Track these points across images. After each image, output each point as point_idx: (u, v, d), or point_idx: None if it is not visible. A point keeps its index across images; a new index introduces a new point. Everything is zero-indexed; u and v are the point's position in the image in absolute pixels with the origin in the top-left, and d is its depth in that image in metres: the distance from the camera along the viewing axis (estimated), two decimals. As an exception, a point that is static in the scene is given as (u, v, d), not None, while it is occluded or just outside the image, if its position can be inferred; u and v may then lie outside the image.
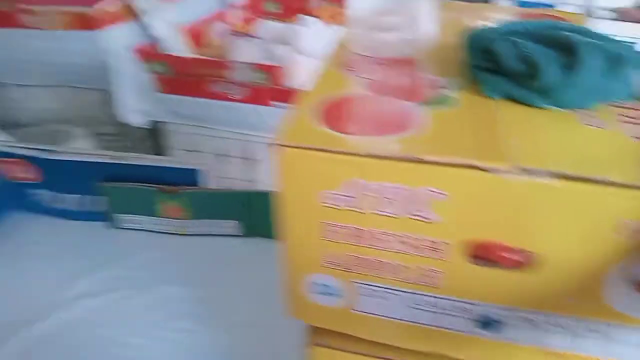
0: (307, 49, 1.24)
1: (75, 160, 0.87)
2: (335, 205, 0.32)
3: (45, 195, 0.92)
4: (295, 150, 0.32)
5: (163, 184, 0.86)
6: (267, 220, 0.88)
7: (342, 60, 0.45)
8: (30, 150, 0.89)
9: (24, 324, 0.70)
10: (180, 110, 1.24)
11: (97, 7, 1.18)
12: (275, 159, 0.32)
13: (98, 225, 0.91)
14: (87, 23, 1.19)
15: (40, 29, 1.23)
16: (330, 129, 0.33)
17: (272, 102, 1.16)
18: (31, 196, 0.93)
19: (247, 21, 1.72)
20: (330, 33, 1.34)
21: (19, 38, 1.25)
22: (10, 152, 0.90)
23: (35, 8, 1.22)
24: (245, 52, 1.32)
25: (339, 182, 0.32)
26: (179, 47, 1.32)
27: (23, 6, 1.22)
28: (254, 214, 0.86)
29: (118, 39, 1.21)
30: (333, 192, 0.32)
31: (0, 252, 0.86)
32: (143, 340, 0.69)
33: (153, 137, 1.36)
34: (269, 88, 1.16)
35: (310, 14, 1.56)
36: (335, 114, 0.35)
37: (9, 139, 1.01)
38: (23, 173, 0.91)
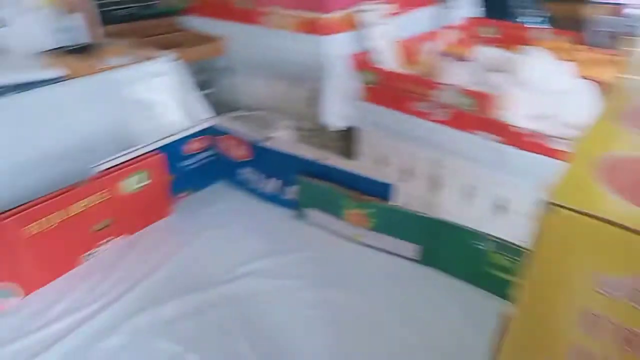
0: (527, 82, 1.14)
1: (282, 151, 0.94)
2: (612, 294, 0.26)
3: (250, 175, 1.01)
4: (573, 214, 0.26)
5: (354, 191, 0.87)
6: (450, 254, 0.83)
7: (622, 112, 0.38)
8: (248, 133, 0.99)
9: (207, 283, 0.78)
10: (379, 121, 1.26)
11: (325, 15, 1.26)
12: (541, 217, 0.27)
13: (287, 213, 0.96)
14: (314, 28, 1.28)
15: (274, 28, 1.37)
16: (619, 196, 0.27)
17: (475, 131, 1.10)
18: (238, 173, 1.04)
19: (462, 44, 1.67)
20: (556, 68, 1.22)
21: (254, 33, 1.41)
22: (229, 131, 1.01)
23: (273, 10, 1.35)
24: (456, 75, 1.27)
25: (626, 268, 0.25)
26: (391, 61, 1.34)
27: (263, 8, 1.37)
28: (437, 243, 0.82)
29: (338, 46, 1.27)
30: (614, 277, 0.26)
31: (202, 215, 0.97)
32: (294, 332, 0.70)
33: (346, 140, 1.41)
34: (476, 116, 1.09)
35: (532, 44, 1.44)
36: (624, 178, 0.29)
37: (230, 120, 1.13)
38: (237, 151, 1.02)
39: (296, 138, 1.36)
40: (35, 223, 0.72)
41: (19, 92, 0.82)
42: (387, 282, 0.82)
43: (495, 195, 1.12)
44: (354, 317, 0.73)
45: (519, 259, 0.72)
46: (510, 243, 0.73)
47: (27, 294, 0.74)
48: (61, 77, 0.92)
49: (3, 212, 0.69)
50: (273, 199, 0.99)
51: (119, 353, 0.64)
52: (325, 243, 0.90)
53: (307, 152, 0.93)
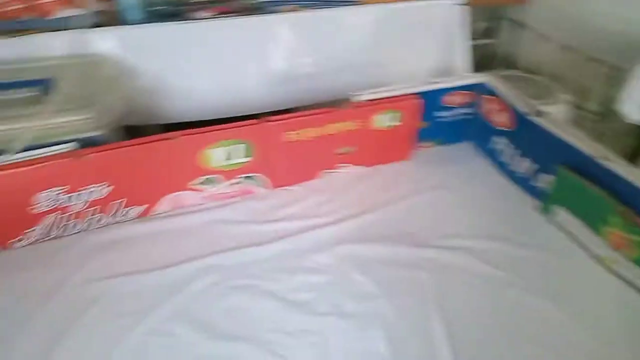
0: None
1: (551, 131, 0.80)
2: None
3: (504, 146, 0.91)
4: None
5: (628, 207, 0.69)
6: None
7: None
8: (517, 101, 0.87)
9: (417, 240, 0.75)
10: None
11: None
12: None
13: (531, 202, 0.83)
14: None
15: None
16: None
17: None
18: (492, 140, 0.94)
19: None
20: None
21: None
22: (497, 92, 0.91)
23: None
24: None
25: None
26: None
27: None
28: None
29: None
30: None
31: (439, 170, 0.92)
32: (482, 329, 0.62)
33: (638, 137, 1.13)
34: None
35: None
36: None
37: (502, 78, 1.01)
38: (498, 117, 0.92)
39: (573, 119, 1.16)
40: (294, 132, 0.80)
41: (314, 8, 0.89)
42: (630, 331, 0.65)
43: None
44: (560, 347, 0.61)
45: None
46: None
47: (273, 188, 0.85)
48: (354, 0, 0.96)
49: (273, 115, 0.79)
50: (520, 181, 0.88)
51: (319, 270, 0.70)
52: (564, 252, 0.75)
53: (582, 142, 0.77)
